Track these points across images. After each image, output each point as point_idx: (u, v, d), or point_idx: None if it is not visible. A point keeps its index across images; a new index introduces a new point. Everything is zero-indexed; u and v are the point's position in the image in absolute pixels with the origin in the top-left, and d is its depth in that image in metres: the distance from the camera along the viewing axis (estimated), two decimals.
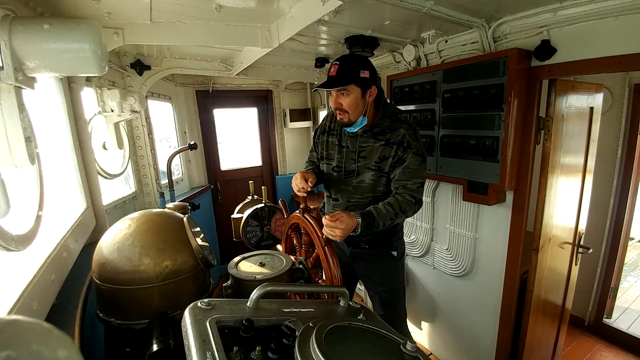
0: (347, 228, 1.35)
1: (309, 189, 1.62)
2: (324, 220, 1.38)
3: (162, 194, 2.62)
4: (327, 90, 1.58)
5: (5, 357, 0.22)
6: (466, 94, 1.87)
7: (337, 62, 1.47)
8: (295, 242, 2.09)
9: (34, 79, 1.05)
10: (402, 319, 1.92)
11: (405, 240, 1.92)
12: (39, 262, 1.16)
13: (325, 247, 1.54)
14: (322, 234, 1.43)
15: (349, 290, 1.82)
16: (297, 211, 1.84)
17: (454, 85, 1.94)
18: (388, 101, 1.69)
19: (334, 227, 1.34)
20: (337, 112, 1.54)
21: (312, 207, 1.70)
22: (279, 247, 2.58)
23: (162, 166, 2.97)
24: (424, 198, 1.62)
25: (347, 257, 1.83)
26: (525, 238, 1.95)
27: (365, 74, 1.47)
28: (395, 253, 1.77)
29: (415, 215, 1.89)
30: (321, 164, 1.82)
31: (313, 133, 1.89)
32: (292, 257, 1.82)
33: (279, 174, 4.61)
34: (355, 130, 1.60)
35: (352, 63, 1.47)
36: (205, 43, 1.98)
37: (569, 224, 2.20)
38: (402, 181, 1.53)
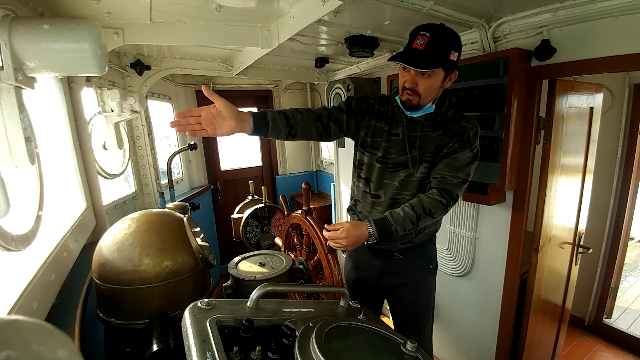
0: (353, 241, 1.24)
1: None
2: (325, 233, 1.27)
3: (162, 194, 2.62)
4: (400, 65, 1.25)
5: (5, 357, 0.22)
6: (466, 94, 1.86)
7: (427, 34, 1.18)
8: (295, 240, 2.09)
9: (34, 79, 1.05)
10: (426, 348, 1.58)
11: None
12: (39, 262, 1.16)
13: (328, 255, 1.53)
14: (326, 240, 1.35)
15: (375, 309, 1.63)
16: (299, 211, 1.83)
17: (453, 85, 1.92)
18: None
19: (337, 239, 1.24)
20: (407, 91, 1.28)
21: (312, 207, 1.70)
22: (278, 240, 2.58)
23: (162, 166, 2.96)
24: None
25: (374, 272, 1.56)
26: (525, 238, 1.94)
27: (454, 56, 1.24)
28: (432, 266, 1.55)
29: None
30: (360, 154, 1.53)
31: (352, 98, 1.49)
32: (291, 254, 1.81)
33: (279, 174, 4.61)
34: (416, 116, 1.36)
35: (444, 40, 1.21)
36: (205, 43, 1.97)
37: (569, 224, 2.20)
38: (442, 172, 1.32)
